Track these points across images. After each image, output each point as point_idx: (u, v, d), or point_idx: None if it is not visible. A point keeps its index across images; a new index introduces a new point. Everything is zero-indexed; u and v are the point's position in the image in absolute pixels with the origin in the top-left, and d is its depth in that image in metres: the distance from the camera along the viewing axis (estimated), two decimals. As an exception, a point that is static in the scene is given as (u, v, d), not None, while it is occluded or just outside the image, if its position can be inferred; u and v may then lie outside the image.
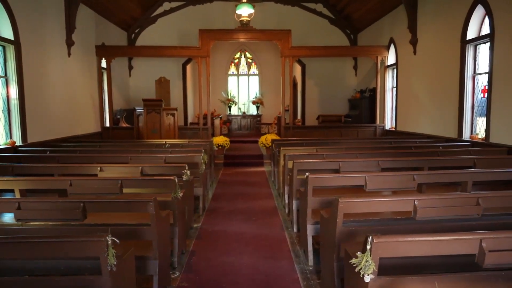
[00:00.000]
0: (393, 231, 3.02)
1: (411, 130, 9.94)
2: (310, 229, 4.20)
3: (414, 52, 9.60)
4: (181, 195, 4.16)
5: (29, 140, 7.48)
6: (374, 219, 3.62)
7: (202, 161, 6.21)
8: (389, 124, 11.80)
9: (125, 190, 4.30)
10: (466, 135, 7.64)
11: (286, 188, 6.25)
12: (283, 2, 14.01)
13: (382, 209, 3.13)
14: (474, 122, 7.58)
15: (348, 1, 12.76)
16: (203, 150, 6.74)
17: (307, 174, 4.07)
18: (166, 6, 13.86)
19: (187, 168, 4.98)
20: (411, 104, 9.95)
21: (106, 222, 3.70)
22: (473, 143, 7.22)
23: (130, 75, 14.26)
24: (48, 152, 6.73)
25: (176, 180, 4.11)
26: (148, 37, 13.88)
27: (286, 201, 6.26)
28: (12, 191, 4.41)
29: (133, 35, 13.90)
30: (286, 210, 6.22)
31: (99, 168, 4.91)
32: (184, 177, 4.88)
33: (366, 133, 11.88)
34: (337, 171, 5.10)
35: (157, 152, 6.87)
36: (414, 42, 9.52)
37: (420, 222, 3.13)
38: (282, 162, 6.73)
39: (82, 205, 3.14)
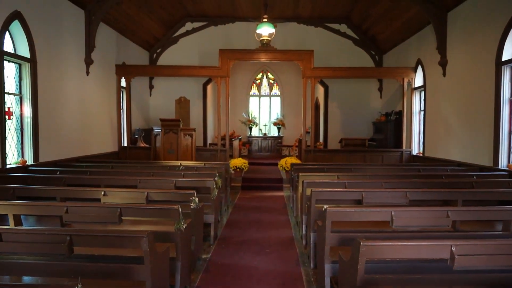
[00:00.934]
0: (425, 283, 2.53)
1: (440, 156, 9.31)
2: (327, 269, 3.72)
3: (444, 74, 9.06)
4: (185, 226, 3.77)
5: (42, 160, 7.32)
6: (401, 261, 3.14)
7: (214, 186, 5.84)
8: (416, 149, 11.17)
9: (126, 218, 3.97)
10: (503, 163, 7.00)
11: (304, 218, 5.75)
12: (306, 23, 13.79)
13: (412, 255, 2.65)
14: (512, 150, 6.95)
15: (373, 21, 12.41)
16: (216, 174, 6.38)
17: (325, 207, 3.62)
18: (188, 26, 13.87)
19: (195, 194, 4.61)
20: (440, 129, 9.35)
21: (99, 253, 3.35)
22: (512, 173, 6.59)
23: (150, 95, 14.21)
24: (58, 173, 6.52)
25: (180, 210, 3.73)
26: (169, 56, 13.86)
27: (304, 231, 5.76)
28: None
29: (154, 54, 13.93)
30: (304, 242, 5.74)
31: (102, 193, 4.61)
32: (192, 205, 4.51)
33: (391, 158, 11.27)
34: (359, 202, 4.64)
35: (169, 175, 6.57)
36: (443, 63, 9.00)
37: (457, 271, 2.64)
38: (300, 189, 6.28)
39: (69, 239, 2.81)
